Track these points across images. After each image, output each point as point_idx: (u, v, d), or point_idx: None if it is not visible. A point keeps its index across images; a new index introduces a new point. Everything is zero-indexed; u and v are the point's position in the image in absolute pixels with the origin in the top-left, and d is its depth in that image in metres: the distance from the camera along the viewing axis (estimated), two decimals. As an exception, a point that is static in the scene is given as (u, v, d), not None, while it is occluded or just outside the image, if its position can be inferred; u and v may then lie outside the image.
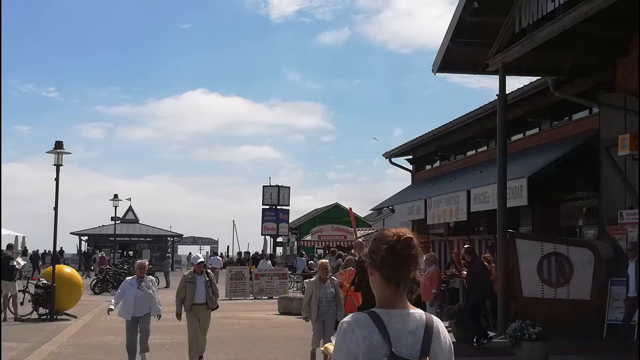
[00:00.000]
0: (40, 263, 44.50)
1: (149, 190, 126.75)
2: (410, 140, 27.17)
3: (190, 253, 30.85)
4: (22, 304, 19.33)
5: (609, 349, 12.54)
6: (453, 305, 14.91)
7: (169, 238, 61.60)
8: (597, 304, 13.97)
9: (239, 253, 48.79)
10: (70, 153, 19.68)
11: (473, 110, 21.25)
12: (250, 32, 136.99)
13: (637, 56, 14.51)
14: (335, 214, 52.04)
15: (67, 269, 21.37)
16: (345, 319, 2.66)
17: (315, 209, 62.00)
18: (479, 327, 13.70)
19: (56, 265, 19.79)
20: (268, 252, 47.68)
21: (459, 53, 16.00)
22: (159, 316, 11.50)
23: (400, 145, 28.44)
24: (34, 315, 18.76)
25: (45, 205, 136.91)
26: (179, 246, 67.74)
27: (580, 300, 14.25)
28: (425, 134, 25.64)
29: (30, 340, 14.51)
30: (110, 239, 49.78)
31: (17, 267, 20.03)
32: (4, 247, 21.17)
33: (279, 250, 56.43)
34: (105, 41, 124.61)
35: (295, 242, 56.69)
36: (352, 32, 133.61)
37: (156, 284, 12.22)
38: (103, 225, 57.61)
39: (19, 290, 19.36)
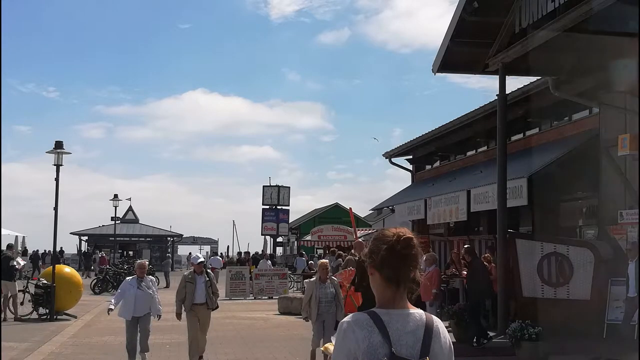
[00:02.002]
0: (40, 263, 44.44)
1: (149, 190, 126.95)
2: (410, 140, 27.16)
3: (190, 253, 30.80)
4: (22, 304, 19.33)
5: (609, 349, 12.53)
6: (453, 305, 14.91)
7: (169, 238, 61.58)
8: (597, 304, 13.96)
9: (239, 253, 48.75)
10: (70, 153, 19.71)
11: (473, 110, 21.25)
12: (250, 32, 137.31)
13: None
14: (335, 214, 51.98)
15: (67, 269, 21.37)
16: (345, 319, 2.66)
17: (315, 209, 61.96)
18: (479, 327, 13.70)
19: (56, 265, 19.80)
20: (268, 252, 47.69)
21: (459, 53, 15.98)
22: (159, 316, 11.51)
23: (400, 145, 28.44)
24: (34, 315, 18.75)
25: (45, 205, 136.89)
26: (179, 246, 67.76)
27: (580, 300, 14.25)
28: (425, 134, 25.64)
29: (30, 340, 14.50)
30: (110, 239, 49.76)
31: (17, 267, 20.03)
32: (4, 247, 21.16)
33: (279, 250, 56.48)
34: (105, 41, 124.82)
35: (295, 242, 56.66)
36: (352, 32, 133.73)
37: (156, 284, 12.22)
38: (103, 225, 57.57)
39: (19, 290, 19.35)
